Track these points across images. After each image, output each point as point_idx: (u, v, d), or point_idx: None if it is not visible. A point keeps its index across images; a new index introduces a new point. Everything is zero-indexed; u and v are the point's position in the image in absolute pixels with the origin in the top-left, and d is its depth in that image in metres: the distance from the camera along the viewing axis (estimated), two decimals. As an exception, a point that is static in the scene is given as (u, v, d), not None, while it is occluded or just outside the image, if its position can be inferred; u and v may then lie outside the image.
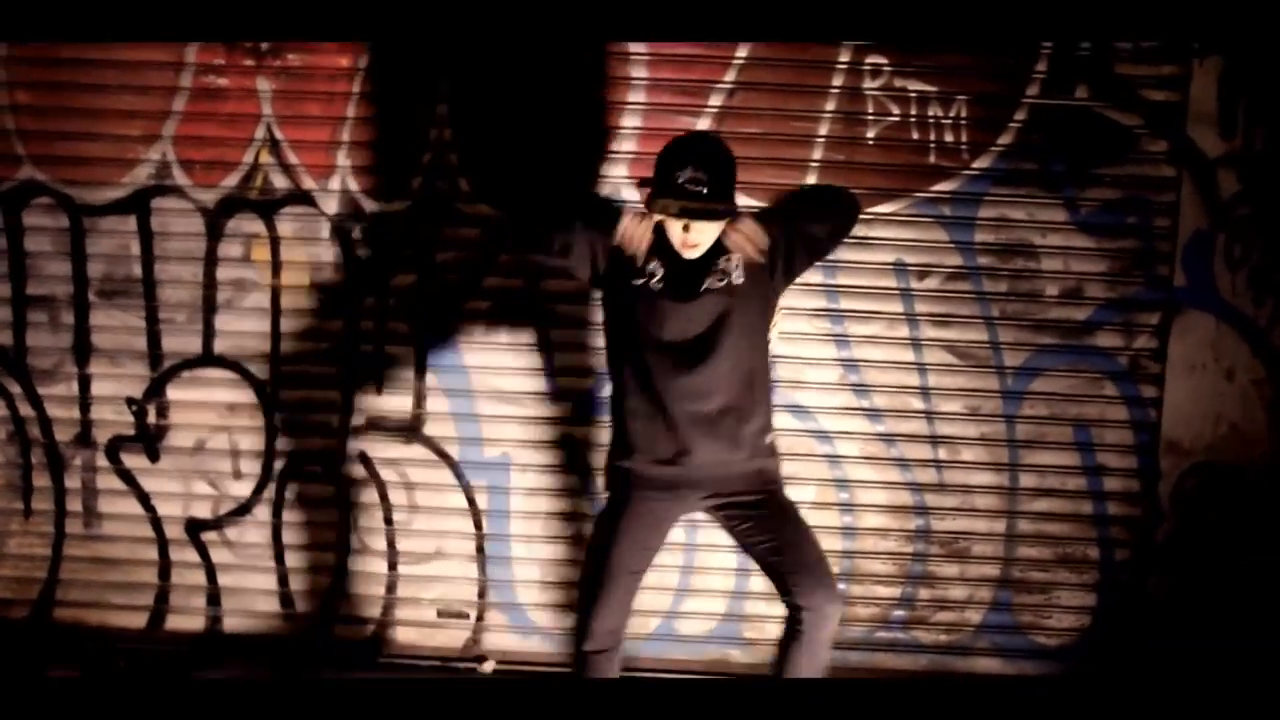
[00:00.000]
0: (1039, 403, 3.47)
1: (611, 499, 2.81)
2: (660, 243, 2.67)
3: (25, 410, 3.57)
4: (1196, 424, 3.44)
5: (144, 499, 3.59)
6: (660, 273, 2.65)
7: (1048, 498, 3.50)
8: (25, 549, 3.65)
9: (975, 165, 3.40)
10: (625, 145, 3.40)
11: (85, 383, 3.55)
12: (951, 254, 3.43)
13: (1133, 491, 3.49)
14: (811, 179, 3.40)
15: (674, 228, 2.61)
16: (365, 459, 3.55)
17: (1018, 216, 3.42)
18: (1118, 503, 3.49)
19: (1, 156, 3.46)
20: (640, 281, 2.66)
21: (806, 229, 2.76)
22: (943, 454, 3.49)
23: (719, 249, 2.66)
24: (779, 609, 3.47)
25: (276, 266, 3.48)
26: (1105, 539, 3.50)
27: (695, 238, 2.60)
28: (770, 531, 2.74)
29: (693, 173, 2.55)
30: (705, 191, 2.56)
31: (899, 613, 3.55)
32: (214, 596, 3.63)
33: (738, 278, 2.66)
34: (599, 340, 3.36)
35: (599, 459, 3.48)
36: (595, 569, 2.76)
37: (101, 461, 3.58)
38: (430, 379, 3.51)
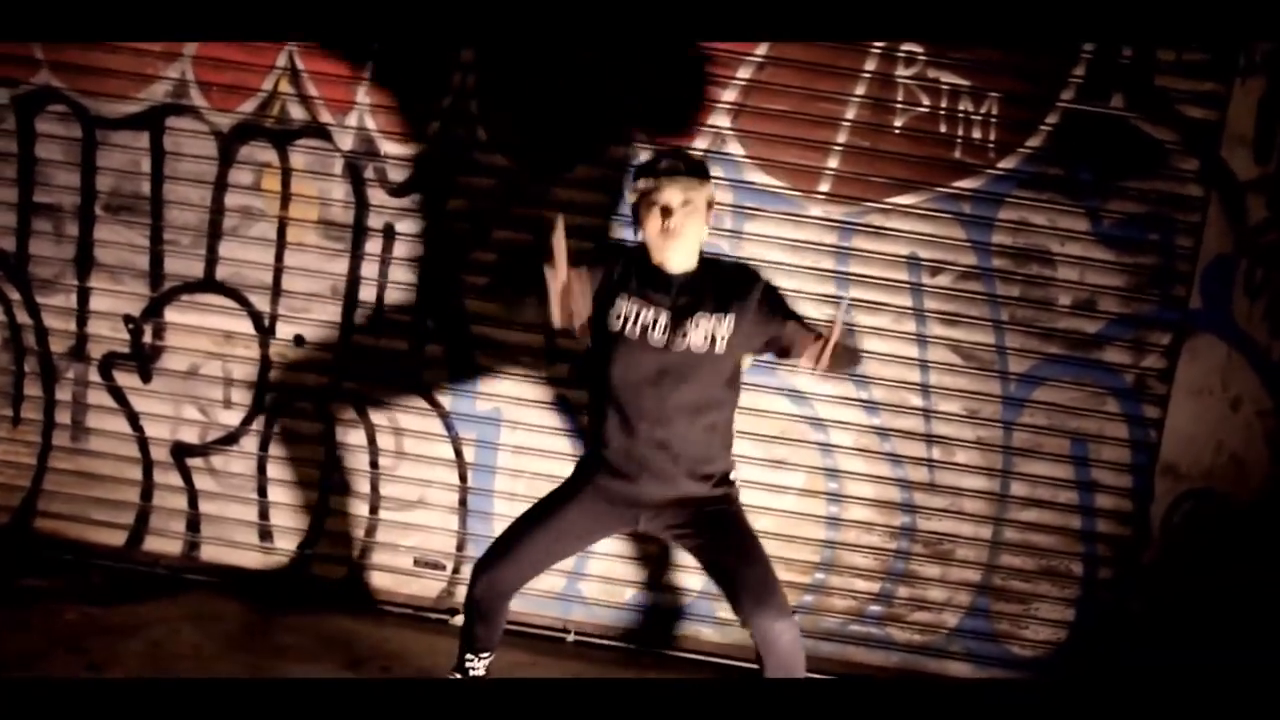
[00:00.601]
0: (1039, 412, 3.42)
1: (571, 480, 2.82)
2: (643, 279, 2.69)
3: (22, 318, 3.55)
4: (1196, 449, 3.39)
5: (133, 418, 3.58)
6: (638, 315, 2.66)
7: (1037, 508, 3.46)
8: (11, 456, 3.64)
9: (1001, 165, 3.34)
10: (648, 109, 3.35)
11: (84, 296, 3.53)
12: (967, 253, 3.37)
13: (1124, 511, 3.45)
14: (833, 161, 3.35)
15: (653, 222, 2.63)
16: (356, 400, 3.53)
17: (1038, 222, 3.36)
18: (1107, 520, 3.45)
19: (19, 60, 3.43)
20: (618, 328, 2.66)
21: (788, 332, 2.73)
22: (936, 454, 3.45)
23: (707, 293, 2.68)
24: None
25: (285, 198, 3.45)
26: (1091, 555, 3.46)
27: (675, 223, 2.62)
28: (717, 554, 2.74)
29: (668, 160, 2.70)
30: (682, 168, 2.65)
31: (875, 608, 3.53)
32: (194, 522, 3.63)
33: (720, 347, 2.65)
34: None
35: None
36: (523, 526, 2.78)
37: (94, 377, 3.57)
38: (429, 326, 3.48)
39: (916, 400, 3.44)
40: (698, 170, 2.68)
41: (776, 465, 3.47)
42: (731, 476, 2.78)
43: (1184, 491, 3.40)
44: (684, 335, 2.63)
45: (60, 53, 3.42)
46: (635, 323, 2.65)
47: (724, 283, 2.70)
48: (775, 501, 3.48)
